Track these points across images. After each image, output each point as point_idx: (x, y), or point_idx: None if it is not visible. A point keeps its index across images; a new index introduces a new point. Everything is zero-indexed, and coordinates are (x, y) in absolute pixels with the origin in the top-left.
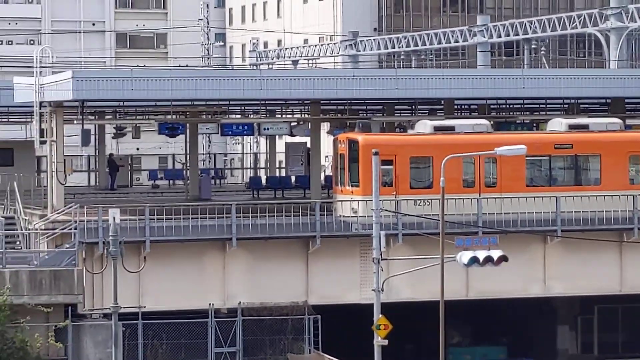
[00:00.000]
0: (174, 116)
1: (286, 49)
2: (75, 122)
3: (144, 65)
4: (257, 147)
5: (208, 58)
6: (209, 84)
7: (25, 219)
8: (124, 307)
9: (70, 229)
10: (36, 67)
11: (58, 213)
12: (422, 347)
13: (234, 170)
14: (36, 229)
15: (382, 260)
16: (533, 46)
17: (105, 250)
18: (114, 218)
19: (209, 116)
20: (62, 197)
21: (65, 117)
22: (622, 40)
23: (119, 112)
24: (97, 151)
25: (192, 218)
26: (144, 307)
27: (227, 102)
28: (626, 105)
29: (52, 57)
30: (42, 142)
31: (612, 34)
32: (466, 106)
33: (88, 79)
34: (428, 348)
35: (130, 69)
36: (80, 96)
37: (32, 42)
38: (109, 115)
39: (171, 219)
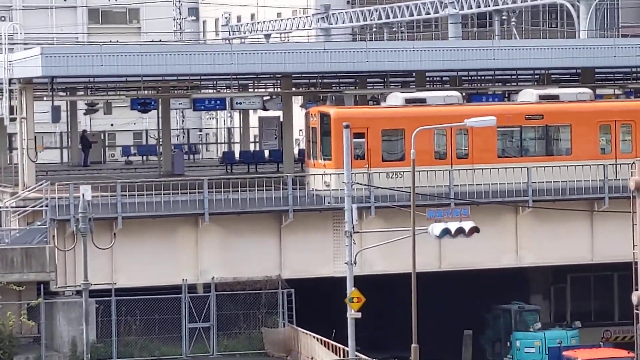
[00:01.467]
0: (146, 91)
1: (259, 22)
2: (45, 98)
3: (117, 41)
4: (230, 121)
5: (180, 33)
6: (180, 59)
7: None
8: (96, 284)
9: (42, 207)
10: (5, 43)
11: (29, 190)
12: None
13: (209, 145)
14: (7, 207)
15: (354, 233)
16: (504, 17)
17: (75, 227)
18: (82, 195)
19: (181, 91)
20: (33, 174)
21: (35, 94)
22: (592, 10)
23: (90, 88)
24: (69, 128)
25: (164, 194)
26: (115, 283)
27: (198, 77)
28: (596, 75)
29: (20, 33)
30: (12, 120)
31: (581, 4)
32: (438, 78)
33: (57, 55)
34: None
35: (100, 45)
36: (49, 72)
37: (2, 18)
38: (80, 91)
39: (143, 194)
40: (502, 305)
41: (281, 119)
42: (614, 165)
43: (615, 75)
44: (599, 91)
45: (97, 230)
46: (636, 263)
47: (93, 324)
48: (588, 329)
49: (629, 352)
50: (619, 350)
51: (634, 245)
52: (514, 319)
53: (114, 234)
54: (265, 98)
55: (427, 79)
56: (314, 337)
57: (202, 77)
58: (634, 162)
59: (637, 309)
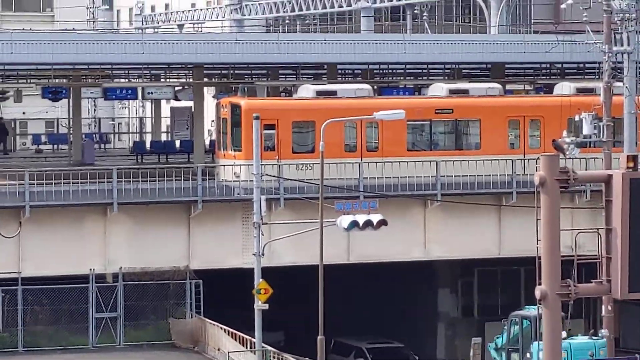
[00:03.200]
0: (57, 80)
1: (172, 12)
2: None
3: (30, 29)
4: (143, 111)
5: (94, 22)
6: (91, 47)
7: None
8: (1, 273)
9: None
10: None
11: None
12: None
13: (121, 134)
14: None
15: (263, 224)
16: (416, 11)
17: None
18: None
19: (93, 80)
20: None
21: None
22: (503, 6)
23: (0, 76)
24: None
25: (73, 183)
26: (21, 272)
27: (109, 66)
28: (506, 71)
29: None
30: None
31: (492, 0)
32: (349, 71)
33: None
34: None
35: (10, 33)
36: None
37: None
38: None
39: (52, 183)
40: (520, 311)
41: (192, 110)
42: (522, 160)
43: (525, 71)
44: (508, 87)
45: (4, 218)
46: (540, 257)
47: None
48: (495, 323)
49: None
50: None
51: (537, 240)
52: (534, 326)
53: (20, 222)
54: (177, 88)
55: (339, 71)
56: (221, 328)
57: (114, 67)
58: (539, 157)
59: (541, 303)
